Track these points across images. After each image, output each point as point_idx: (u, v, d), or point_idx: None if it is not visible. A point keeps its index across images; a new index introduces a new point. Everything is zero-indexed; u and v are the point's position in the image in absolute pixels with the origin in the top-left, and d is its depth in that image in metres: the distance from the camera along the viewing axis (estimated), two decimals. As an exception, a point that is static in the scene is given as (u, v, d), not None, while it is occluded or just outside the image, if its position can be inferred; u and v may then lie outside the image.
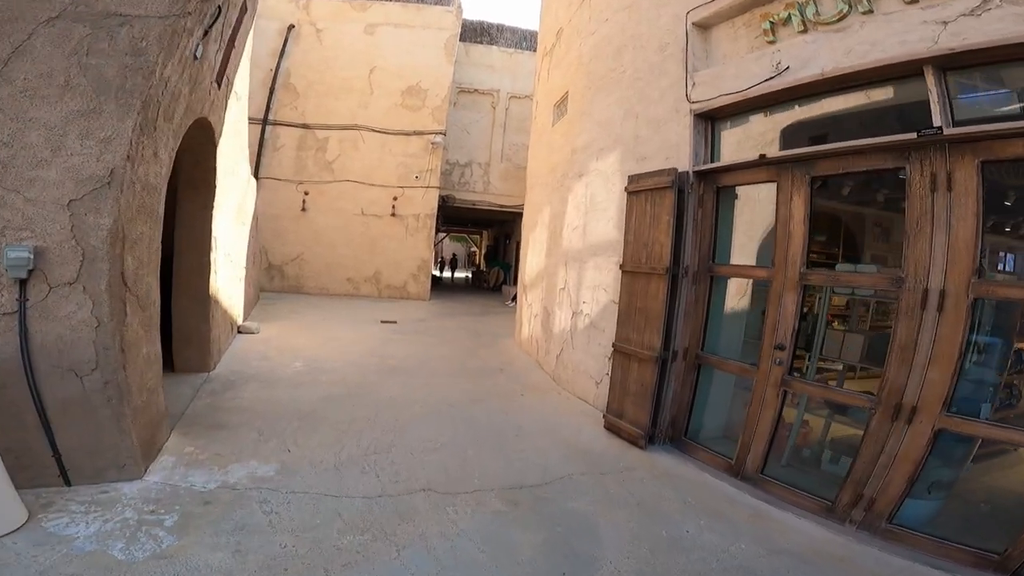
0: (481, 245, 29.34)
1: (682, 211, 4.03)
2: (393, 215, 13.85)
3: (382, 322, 9.79)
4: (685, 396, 4.18)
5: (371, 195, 13.73)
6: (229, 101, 5.29)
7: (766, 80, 3.51)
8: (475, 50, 16.50)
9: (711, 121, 4.19)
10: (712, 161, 4.14)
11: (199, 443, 3.73)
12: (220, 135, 4.97)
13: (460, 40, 14.84)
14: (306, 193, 13.55)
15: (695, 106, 4.13)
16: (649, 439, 4.17)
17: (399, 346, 7.65)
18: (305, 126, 13.67)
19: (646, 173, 4.33)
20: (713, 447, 4.06)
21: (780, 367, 3.42)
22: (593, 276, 5.46)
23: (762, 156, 3.54)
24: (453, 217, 19.09)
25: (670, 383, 4.16)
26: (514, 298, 14.56)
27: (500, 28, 17.14)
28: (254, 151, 13.04)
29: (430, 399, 5.15)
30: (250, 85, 13.46)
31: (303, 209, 13.52)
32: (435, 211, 14.11)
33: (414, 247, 13.99)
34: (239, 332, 7.30)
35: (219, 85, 4.63)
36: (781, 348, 3.40)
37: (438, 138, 13.90)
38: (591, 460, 3.95)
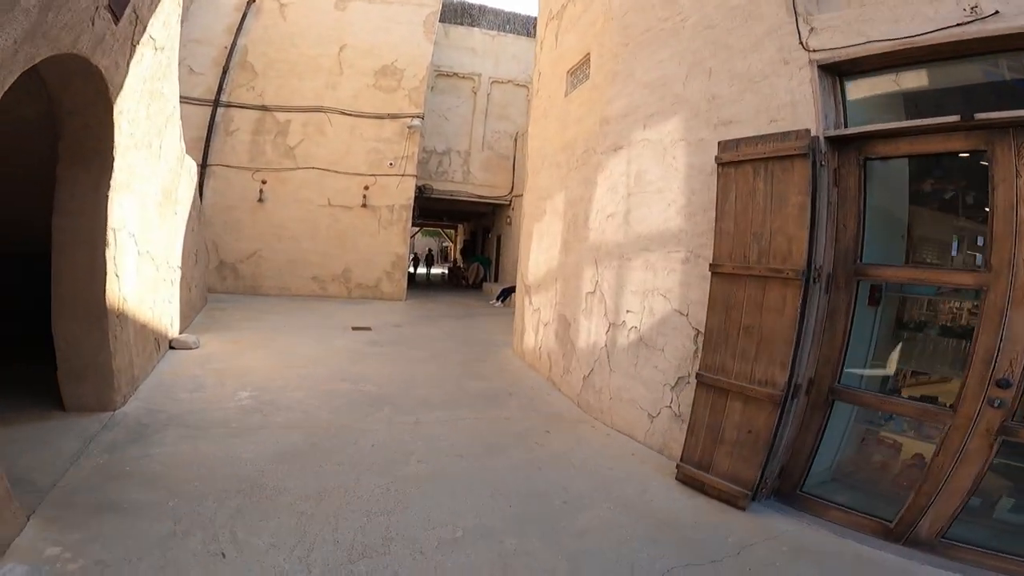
0: (456, 240, 27.84)
1: (814, 191, 2.82)
2: (364, 206, 12.31)
3: (354, 329, 8.31)
4: (807, 442, 2.97)
5: (339, 184, 12.17)
6: (141, 49, 3.74)
7: (956, 26, 2.52)
8: (455, 31, 15.28)
9: (839, 76, 3.05)
10: (845, 126, 2.96)
11: (73, 539, 2.28)
12: (120, 89, 3.44)
13: (439, 21, 13.47)
14: (264, 182, 11.89)
15: (818, 56, 3.02)
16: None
17: (377, 363, 6.20)
18: (264, 108, 12.03)
19: (754, 137, 3.09)
20: (834, 499, 2.98)
21: (1000, 410, 2.29)
22: (643, 278, 4.20)
23: (965, 116, 2.40)
24: (427, 210, 17.66)
25: (786, 425, 2.94)
26: (499, 297, 13.21)
27: (482, 9, 15.92)
28: (202, 135, 11.35)
29: (431, 447, 3.73)
30: (202, 64, 11.96)
31: (260, 200, 11.85)
32: (411, 201, 12.65)
33: (388, 241, 12.49)
34: (172, 348, 5.71)
35: (116, 18, 3.11)
36: (1005, 385, 2.25)
37: (415, 122, 12.44)
38: (686, 539, 2.68)
